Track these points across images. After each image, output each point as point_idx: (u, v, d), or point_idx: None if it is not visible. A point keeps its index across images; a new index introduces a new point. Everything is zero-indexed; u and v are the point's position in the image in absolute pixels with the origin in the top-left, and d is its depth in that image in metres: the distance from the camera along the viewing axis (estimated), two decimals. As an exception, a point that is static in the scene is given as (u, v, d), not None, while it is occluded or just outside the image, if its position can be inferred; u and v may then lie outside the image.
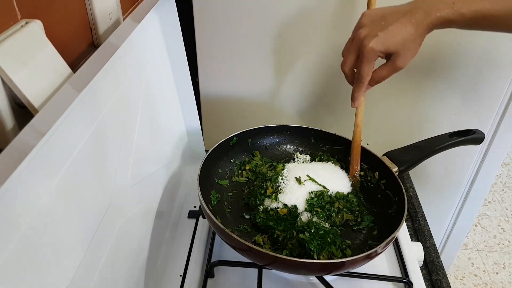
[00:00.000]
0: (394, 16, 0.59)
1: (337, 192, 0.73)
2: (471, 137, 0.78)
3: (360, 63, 0.60)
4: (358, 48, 0.60)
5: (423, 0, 0.59)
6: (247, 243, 0.58)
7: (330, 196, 0.72)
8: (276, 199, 0.71)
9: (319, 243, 0.64)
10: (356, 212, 0.72)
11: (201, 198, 0.66)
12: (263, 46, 0.94)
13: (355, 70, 0.63)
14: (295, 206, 0.70)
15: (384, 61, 0.62)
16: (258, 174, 0.79)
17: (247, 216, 0.73)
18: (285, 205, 0.70)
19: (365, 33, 0.59)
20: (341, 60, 0.65)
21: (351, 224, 0.72)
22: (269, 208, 0.70)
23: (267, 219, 0.69)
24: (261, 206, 0.71)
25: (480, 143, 0.80)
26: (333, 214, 0.70)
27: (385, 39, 0.58)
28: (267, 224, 0.69)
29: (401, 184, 0.71)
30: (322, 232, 0.65)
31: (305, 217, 0.68)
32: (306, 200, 0.71)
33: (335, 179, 0.75)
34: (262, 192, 0.73)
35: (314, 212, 0.69)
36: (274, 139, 0.86)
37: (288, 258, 0.58)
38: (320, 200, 0.71)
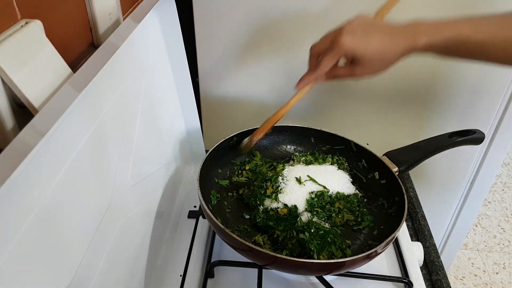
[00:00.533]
0: (381, 28, 0.59)
1: (337, 192, 0.73)
2: (471, 137, 0.78)
3: (326, 53, 0.60)
4: (333, 38, 0.60)
5: (412, 24, 0.58)
6: (247, 243, 0.58)
7: (330, 196, 0.72)
8: (276, 199, 0.71)
9: (319, 243, 0.64)
10: (356, 212, 0.72)
11: (201, 198, 0.66)
12: (263, 46, 0.94)
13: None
14: (295, 206, 0.70)
15: None
16: (258, 174, 0.79)
17: (247, 216, 0.73)
18: (285, 205, 0.70)
19: (347, 29, 0.59)
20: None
21: (351, 224, 0.72)
22: (269, 208, 0.70)
23: (267, 219, 0.69)
24: (261, 206, 0.71)
25: (480, 143, 0.80)
26: (333, 215, 0.70)
27: (359, 42, 0.58)
28: (267, 224, 0.69)
29: (401, 184, 0.71)
30: (322, 232, 0.65)
31: (305, 217, 0.68)
32: (307, 200, 0.71)
33: (335, 179, 0.75)
34: (262, 192, 0.73)
35: (314, 212, 0.69)
36: (274, 139, 0.86)
37: (288, 258, 0.58)
38: (321, 200, 0.71)
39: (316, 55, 0.63)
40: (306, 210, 0.70)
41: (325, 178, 0.74)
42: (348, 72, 0.61)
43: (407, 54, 0.59)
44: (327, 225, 0.67)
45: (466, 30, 0.56)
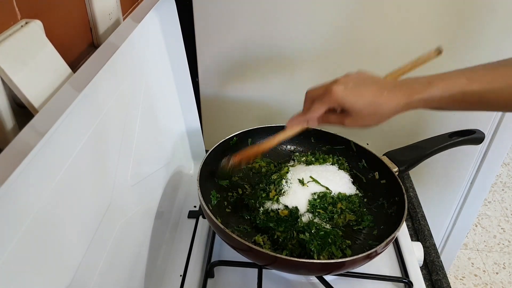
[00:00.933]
0: (377, 83, 0.58)
1: (339, 193, 0.73)
2: (471, 137, 0.78)
3: (318, 99, 0.60)
4: (327, 86, 0.59)
5: (407, 81, 0.58)
6: (247, 243, 0.58)
7: (332, 197, 0.72)
8: (277, 201, 0.71)
9: (320, 243, 0.64)
10: (357, 213, 0.72)
11: (201, 198, 0.66)
12: (263, 46, 0.94)
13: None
14: (296, 207, 0.69)
15: None
16: (257, 175, 0.79)
17: (247, 216, 0.73)
18: (286, 207, 0.70)
19: (342, 80, 0.59)
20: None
21: (351, 224, 0.71)
22: (269, 209, 0.70)
23: (268, 221, 0.69)
24: (261, 208, 0.71)
25: (480, 143, 0.80)
26: (336, 216, 0.70)
27: (350, 93, 0.57)
28: (267, 226, 0.68)
29: (401, 184, 0.71)
30: (322, 233, 0.65)
31: (306, 217, 0.68)
32: (309, 201, 0.70)
33: (337, 180, 0.75)
34: (264, 195, 0.72)
35: (316, 213, 0.69)
36: (274, 139, 0.86)
37: (288, 258, 0.58)
38: (323, 202, 0.70)
39: (310, 99, 0.63)
40: (308, 211, 0.69)
41: (327, 178, 0.74)
42: (338, 121, 0.60)
43: (403, 111, 0.58)
44: (328, 226, 0.67)
45: (461, 81, 0.55)
